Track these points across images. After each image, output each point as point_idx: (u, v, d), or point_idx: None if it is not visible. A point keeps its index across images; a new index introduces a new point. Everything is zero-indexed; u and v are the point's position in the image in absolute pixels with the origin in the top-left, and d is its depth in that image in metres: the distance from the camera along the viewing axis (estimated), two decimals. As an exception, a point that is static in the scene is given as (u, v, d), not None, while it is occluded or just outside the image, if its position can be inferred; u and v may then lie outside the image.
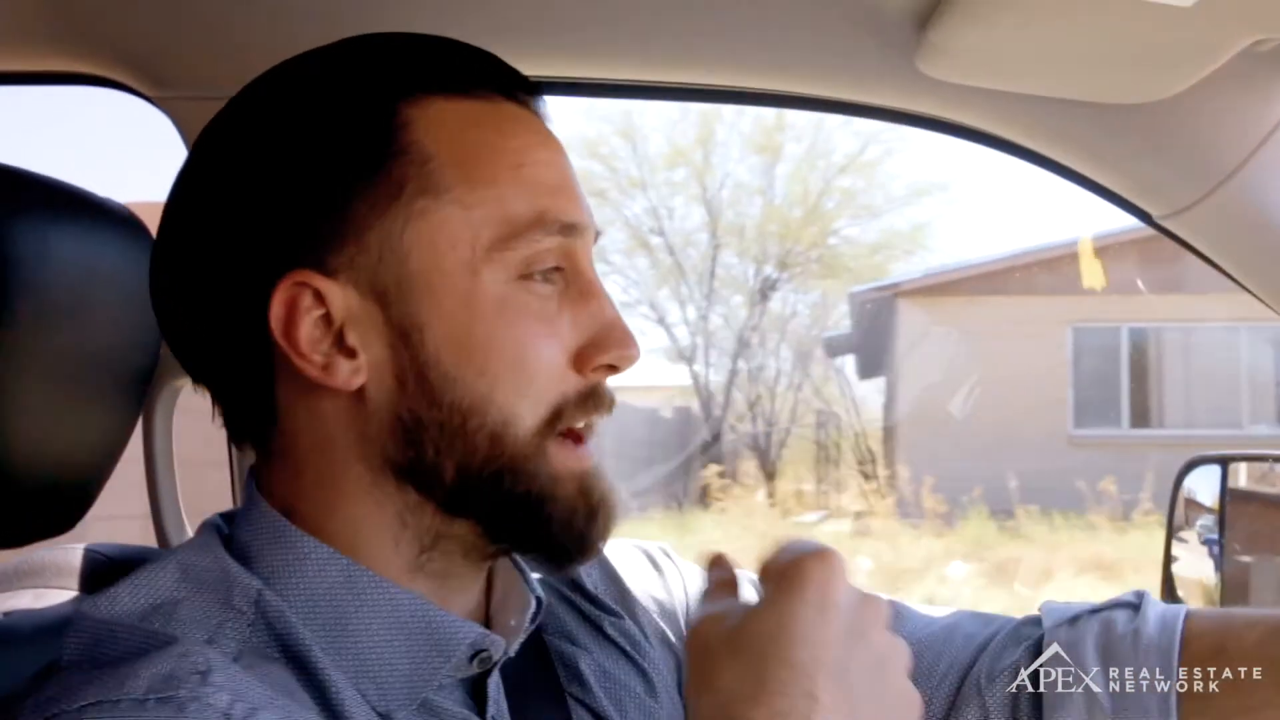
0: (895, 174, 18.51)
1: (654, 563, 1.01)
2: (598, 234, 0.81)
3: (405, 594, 0.74)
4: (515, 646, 0.79)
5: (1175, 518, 1.82)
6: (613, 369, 0.77)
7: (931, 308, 14.22)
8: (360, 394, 0.73)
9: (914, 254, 15.71)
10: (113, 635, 0.67)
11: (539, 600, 0.84)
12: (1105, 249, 14.53)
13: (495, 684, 0.79)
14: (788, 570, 0.67)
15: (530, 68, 1.24)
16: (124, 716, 0.59)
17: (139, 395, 1.10)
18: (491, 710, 0.78)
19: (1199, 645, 0.89)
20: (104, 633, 0.67)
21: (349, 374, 0.72)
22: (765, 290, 14.91)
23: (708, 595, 0.73)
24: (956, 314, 14.12)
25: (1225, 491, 1.71)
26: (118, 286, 1.01)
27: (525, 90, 0.80)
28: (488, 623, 0.83)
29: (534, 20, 1.20)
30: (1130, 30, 0.97)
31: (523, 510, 0.75)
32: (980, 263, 15.34)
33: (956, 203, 20.42)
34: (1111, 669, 0.89)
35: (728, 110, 15.38)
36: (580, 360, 0.76)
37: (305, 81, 0.77)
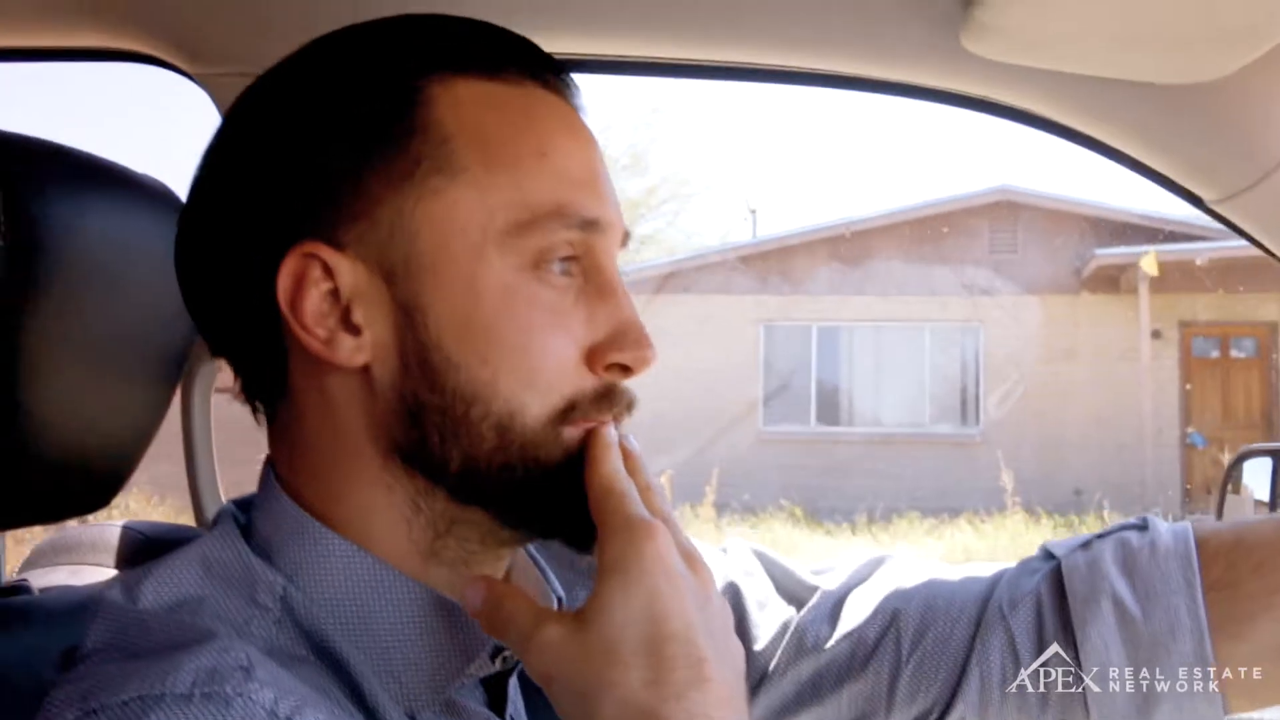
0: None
1: None
2: (626, 234, 0.79)
3: (429, 592, 0.73)
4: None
5: (1224, 513, 1.81)
6: (627, 370, 0.75)
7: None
8: (366, 373, 0.72)
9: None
10: (143, 624, 0.66)
11: (560, 600, 0.83)
12: (794, 249, 15.00)
13: (514, 684, 0.79)
14: (621, 554, 0.67)
15: (560, 45, 1.25)
16: (169, 711, 0.57)
17: (174, 372, 1.10)
18: (510, 710, 0.78)
19: (1215, 543, 0.89)
20: (133, 620, 0.66)
21: (351, 350, 0.71)
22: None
23: (505, 621, 0.69)
24: (644, 311, 14.37)
25: (1277, 483, 1.69)
26: (152, 262, 1.00)
27: (556, 75, 0.78)
28: None
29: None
30: (1179, 9, 0.95)
31: (539, 496, 0.73)
32: (670, 261, 15.83)
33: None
34: (1135, 578, 0.89)
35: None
36: (593, 357, 0.73)
37: (331, 57, 0.76)
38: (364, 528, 0.73)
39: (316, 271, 0.71)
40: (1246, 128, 1.14)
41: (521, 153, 0.73)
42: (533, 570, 0.84)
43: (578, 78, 0.81)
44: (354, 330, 0.71)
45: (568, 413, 0.72)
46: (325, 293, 0.71)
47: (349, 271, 0.71)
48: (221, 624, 0.66)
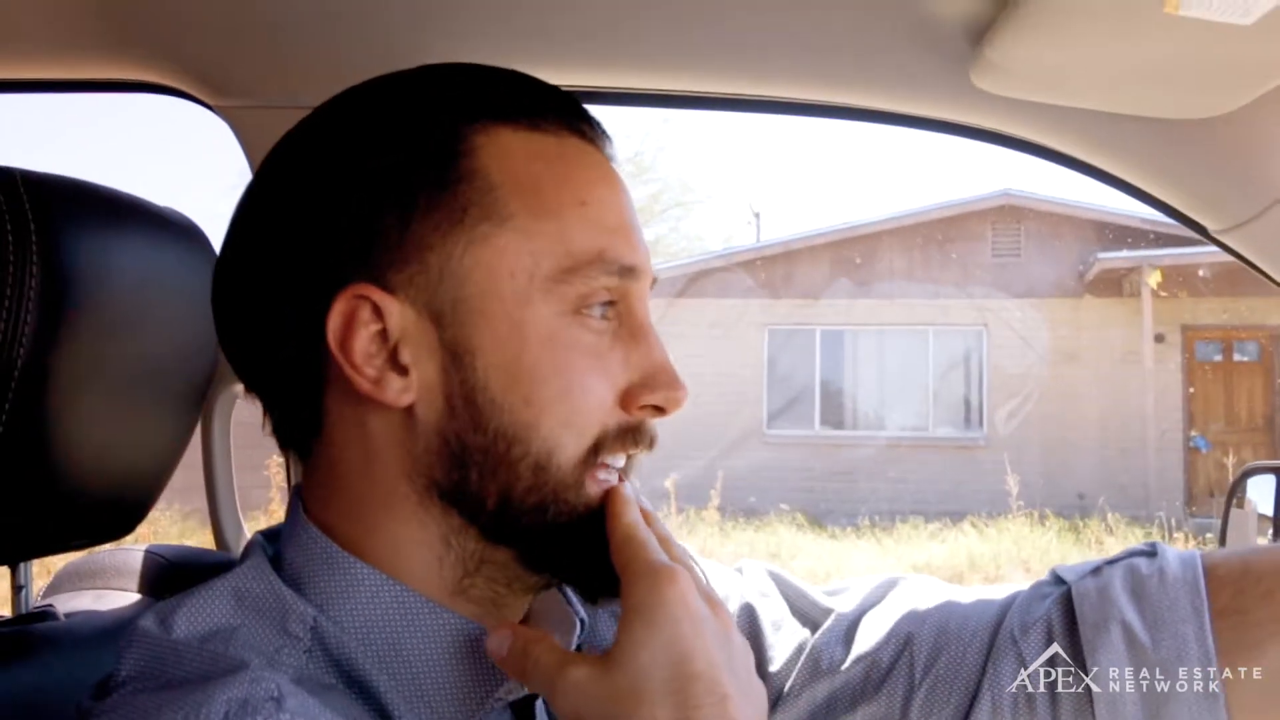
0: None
1: None
2: (654, 279, 0.81)
3: (457, 618, 0.74)
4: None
5: (1229, 527, 1.81)
6: (660, 410, 0.78)
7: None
8: (410, 413, 0.73)
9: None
10: (176, 654, 0.67)
11: (582, 622, 0.85)
12: (798, 253, 15.03)
13: (540, 706, 0.80)
14: (645, 598, 0.69)
15: (574, 78, 1.27)
16: None
17: (197, 401, 1.12)
18: None
19: (1223, 570, 0.90)
20: (166, 650, 0.68)
21: (399, 391, 0.72)
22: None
23: (531, 665, 0.71)
24: (656, 315, 14.46)
25: (1281, 500, 1.69)
26: (177, 295, 1.02)
27: (591, 125, 0.81)
28: None
29: (578, 28, 1.21)
30: (1188, 46, 0.96)
31: (561, 540, 0.75)
32: (675, 265, 15.89)
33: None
34: (1144, 605, 0.90)
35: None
36: (627, 398, 0.76)
37: (377, 102, 0.78)
38: (395, 561, 0.74)
39: (366, 313, 0.72)
40: (1250, 161, 1.16)
41: (564, 201, 0.75)
42: (555, 594, 0.85)
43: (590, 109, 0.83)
44: (402, 371, 0.73)
45: (596, 450, 0.75)
46: (374, 334, 0.72)
47: (398, 313, 0.72)
48: (253, 654, 0.67)
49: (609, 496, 0.75)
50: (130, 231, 0.99)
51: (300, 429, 0.78)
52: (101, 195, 0.97)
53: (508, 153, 0.75)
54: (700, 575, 0.75)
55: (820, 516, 12.83)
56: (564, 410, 0.73)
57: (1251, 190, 1.17)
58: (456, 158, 0.74)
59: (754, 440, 14.65)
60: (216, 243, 0.88)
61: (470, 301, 0.73)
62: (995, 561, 10.65)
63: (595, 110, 0.83)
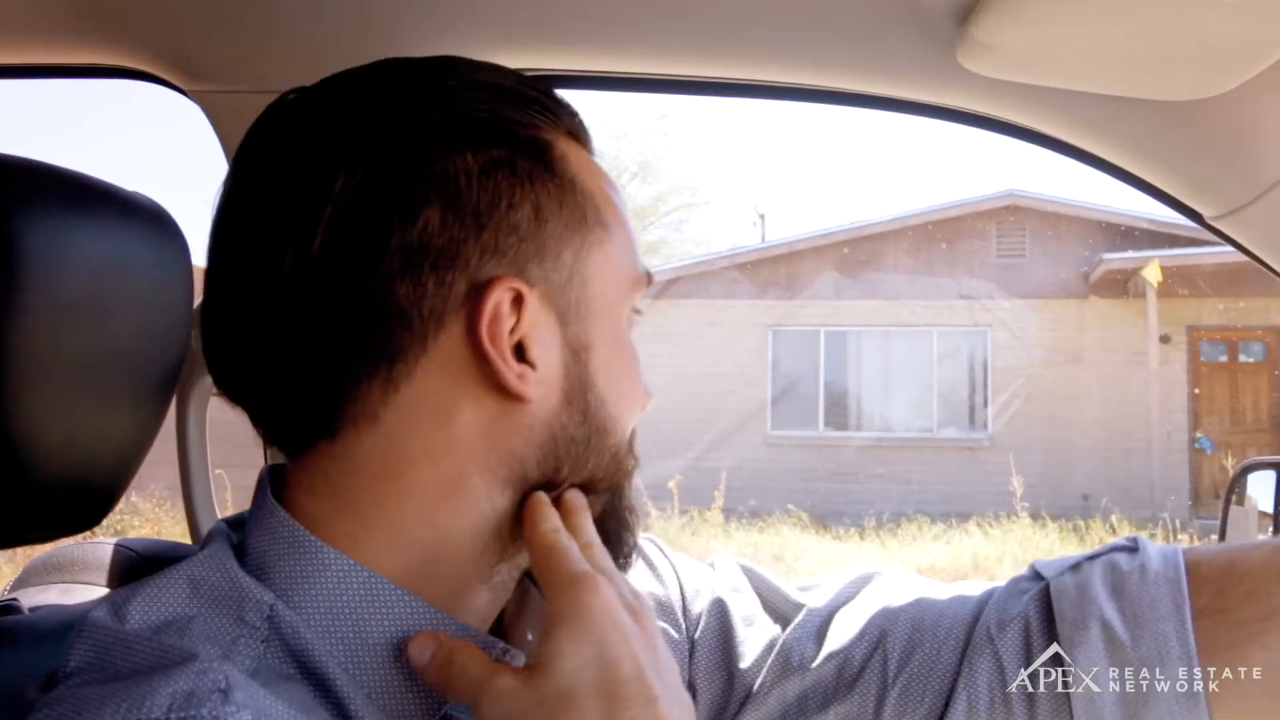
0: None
1: (647, 559, 1.01)
2: None
3: (427, 609, 0.72)
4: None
5: (1228, 524, 1.80)
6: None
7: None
8: (517, 405, 0.74)
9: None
10: (125, 645, 0.65)
11: None
12: (802, 254, 15.12)
13: None
14: (568, 607, 0.69)
15: (562, 61, 1.25)
16: None
17: (166, 392, 1.09)
18: None
19: (1207, 568, 0.89)
20: (115, 641, 0.66)
21: (535, 384, 0.74)
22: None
23: (456, 674, 0.70)
24: (661, 316, 14.80)
25: (1281, 496, 1.68)
26: (143, 281, 1.00)
27: (593, 151, 0.85)
28: (502, 634, 0.82)
29: (557, 15, 1.19)
30: (1176, 26, 0.94)
31: (617, 521, 0.82)
32: (678, 266, 15.99)
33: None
34: (1123, 602, 0.89)
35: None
36: None
37: (461, 101, 0.75)
38: (432, 552, 0.73)
39: (507, 306, 0.72)
40: (1245, 144, 1.13)
41: (625, 217, 0.82)
42: (532, 591, 0.84)
43: (581, 94, 0.86)
44: (530, 365, 0.74)
45: (629, 446, 0.83)
46: (510, 327, 0.73)
47: (534, 308, 0.74)
48: (209, 644, 0.65)
49: (529, 504, 0.76)
50: (91, 214, 0.96)
51: (311, 424, 0.74)
52: (61, 177, 0.95)
53: (583, 165, 0.79)
54: (623, 582, 0.76)
55: (824, 517, 12.86)
56: (633, 407, 0.82)
57: (1246, 175, 1.15)
58: (556, 159, 0.76)
59: (758, 441, 14.71)
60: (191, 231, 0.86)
61: (591, 302, 0.77)
62: (1000, 561, 10.65)
63: (577, 95, 0.86)
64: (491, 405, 0.73)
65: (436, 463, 0.73)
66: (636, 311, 0.83)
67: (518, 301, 0.72)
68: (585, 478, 0.78)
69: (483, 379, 0.72)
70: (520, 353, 0.73)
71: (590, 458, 0.77)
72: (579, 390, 0.76)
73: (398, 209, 0.70)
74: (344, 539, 0.72)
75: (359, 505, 0.73)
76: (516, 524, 0.75)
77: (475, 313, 0.71)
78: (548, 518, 0.75)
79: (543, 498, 0.76)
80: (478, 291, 0.71)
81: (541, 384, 0.74)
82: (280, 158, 0.75)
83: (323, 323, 0.71)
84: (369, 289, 0.70)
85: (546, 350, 0.74)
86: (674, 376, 14.00)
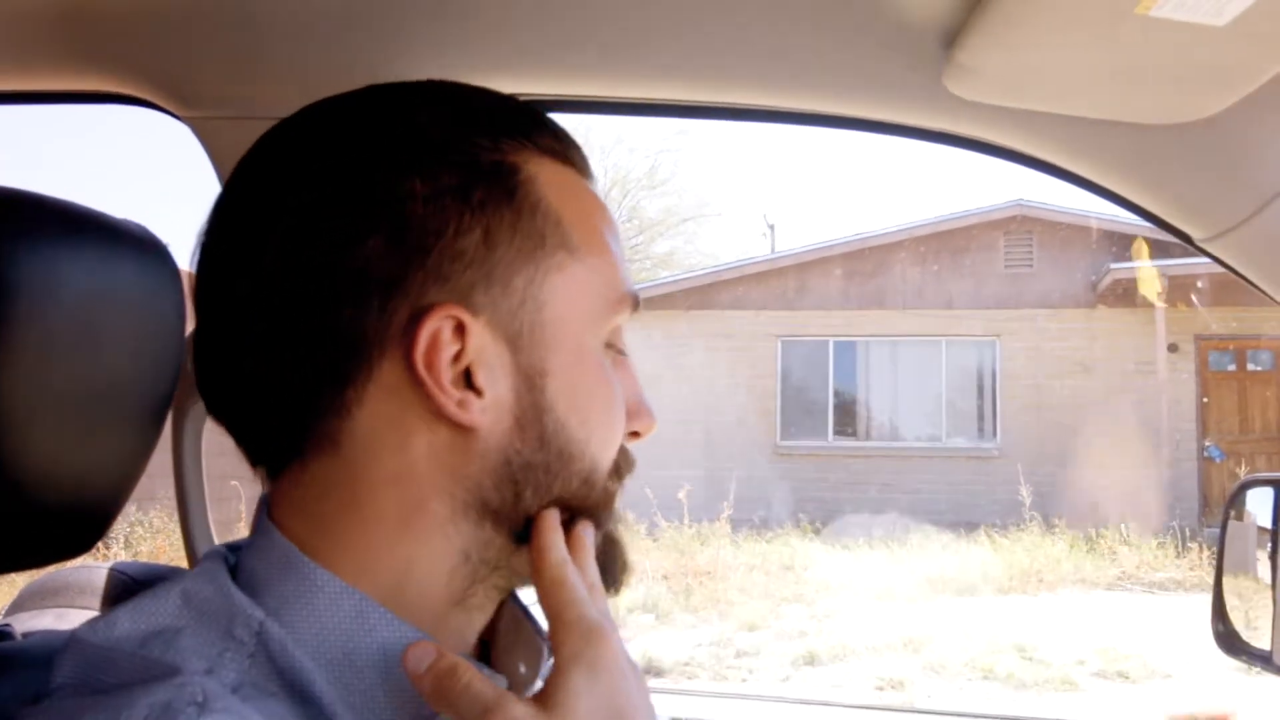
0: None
1: None
2: None
3: (415, 633, 0.73)
4: (530, 694, 0.78)
5: (1226, 540, 1.80)
6: (636, 435, 0.84)
7: (643, 321, 14.70)
8: (468, 433, 0.73)
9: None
10: (111, 661, 0.66)
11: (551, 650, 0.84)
12: (811, 264, 15.10)
13: None
14: (584, 650, 0.70)
15: (554, 86, 1.26)
16: None
17: (159, 417, 1.10)
18: None
19: None
20: (101, 658, 0.67)
21: (479, 411, 0.73)
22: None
23: (460, 693, 0.69)
24: (670, 327, 14.74)
25: (1279, 514, 1.68)
26: (134, 309, 1.00)
27: (587, 162, 0.84)
28: (489, 661, 0.82)
29: (552, 37, 1.19)
30: (1161, 50, 0.94)
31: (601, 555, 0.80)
32: (689, 276, 15.90)
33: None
34: None
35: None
36: (625, 424, 0.82)
37: (424, 122, 0.76)
38: (399, 577, 0.74)
39: (448, 333, 0.72)
40: (1232, 167, 1.13)
41: (603, 240, 0.80)
42: (524, 623, 0.84)
43: (576, 118, 0.85)
44: (477, 391, 0.73)
45: (614, 474, 0.81)
46: (453, 354, 0.72)
47: (478, 335, 0.73)
48: (195, 657, 0.66)
49: (538, 524, 0.76)
50: (82, 242, 0.97)
51: (280, 448, 0.76)
52: (49, 206, 0.95)
53: (558, 185, 0.78)
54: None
55: (833, 527, 12.82)
56: (605, 432, 0.79)
57: (1234, 198, 1.15)
58: (520, 184, 0.76)
59: (767, 451, 14.69)
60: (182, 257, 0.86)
61: (547, 327, 0.76)
62: (1009, 571, 10.61)
63: (566, 119, 0.86)
64: (443, 432, 0.73)
65: (396, 489, 0.73)
66: (610, 347, 0.81)
67: (460, 329, 0.72)
68: (551, 501, 0.76)
69: (429, 406, 0.72)
70: (469, 379, 0.73)
71: (553, 483, 0.76)
72: (533, 416, 0.75)
73: (342, 234, 0.71)
74: (323, 561, 0.73)
75: (331, 529, 0.74)
76: (486, 548, 0.75)
77: (412, 340, 0.71)
78: (556, 546, 0.75)
79: (553, 521, 0.77)
80: (415, 319, 0.71)
81: (488, 410, 0.73)
82: (247, 182, 0.77)
83: (279, 346, 0.72)
84: (317, 314, 0.71)
85: (495, 377, 0.74)
86: (683, 387, 14.01)
